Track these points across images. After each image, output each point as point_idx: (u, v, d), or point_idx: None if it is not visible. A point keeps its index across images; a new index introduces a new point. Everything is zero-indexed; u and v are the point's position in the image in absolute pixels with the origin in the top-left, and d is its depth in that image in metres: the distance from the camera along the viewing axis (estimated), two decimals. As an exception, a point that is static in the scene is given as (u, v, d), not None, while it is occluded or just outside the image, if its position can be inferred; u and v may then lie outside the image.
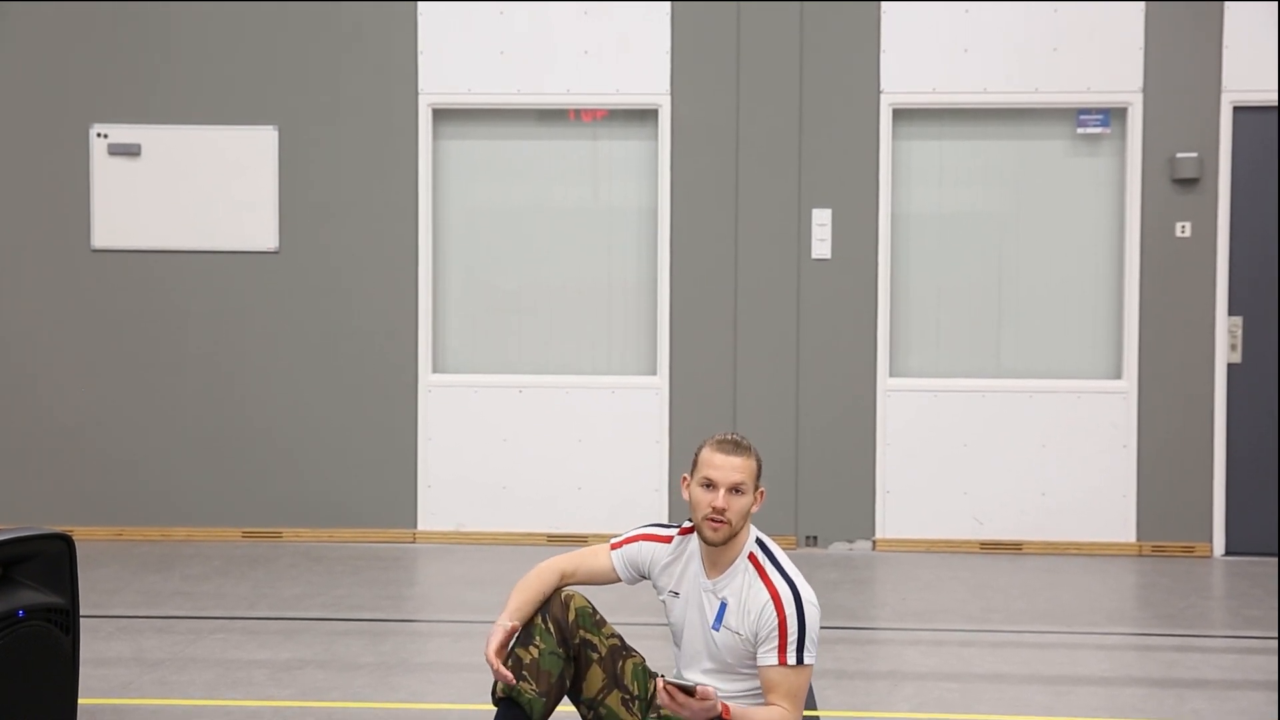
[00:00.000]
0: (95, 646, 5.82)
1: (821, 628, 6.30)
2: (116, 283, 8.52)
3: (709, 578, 4.02)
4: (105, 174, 8.49)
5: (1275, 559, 8.10)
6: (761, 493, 4.01)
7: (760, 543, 4.02)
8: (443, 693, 5.43)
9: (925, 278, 8.47)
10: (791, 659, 3.86)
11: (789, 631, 3.85)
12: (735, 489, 3.92)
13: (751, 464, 3.97)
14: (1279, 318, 8.23)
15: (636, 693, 4.07)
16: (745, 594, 3.92)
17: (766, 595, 3.90)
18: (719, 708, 3.78)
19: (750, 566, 3.96)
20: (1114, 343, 8.39)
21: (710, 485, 3.94)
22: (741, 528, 3.97)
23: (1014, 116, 8.43)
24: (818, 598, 4.00)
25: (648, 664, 4.16)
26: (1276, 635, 6.37)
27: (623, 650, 4.10)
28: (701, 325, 8.39)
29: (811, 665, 3.92)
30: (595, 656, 4.06)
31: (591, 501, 8.39)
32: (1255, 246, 8.25)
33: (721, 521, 3.92)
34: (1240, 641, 6.40)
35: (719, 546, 3.98)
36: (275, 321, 8.52)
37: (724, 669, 4.00)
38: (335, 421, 8.50)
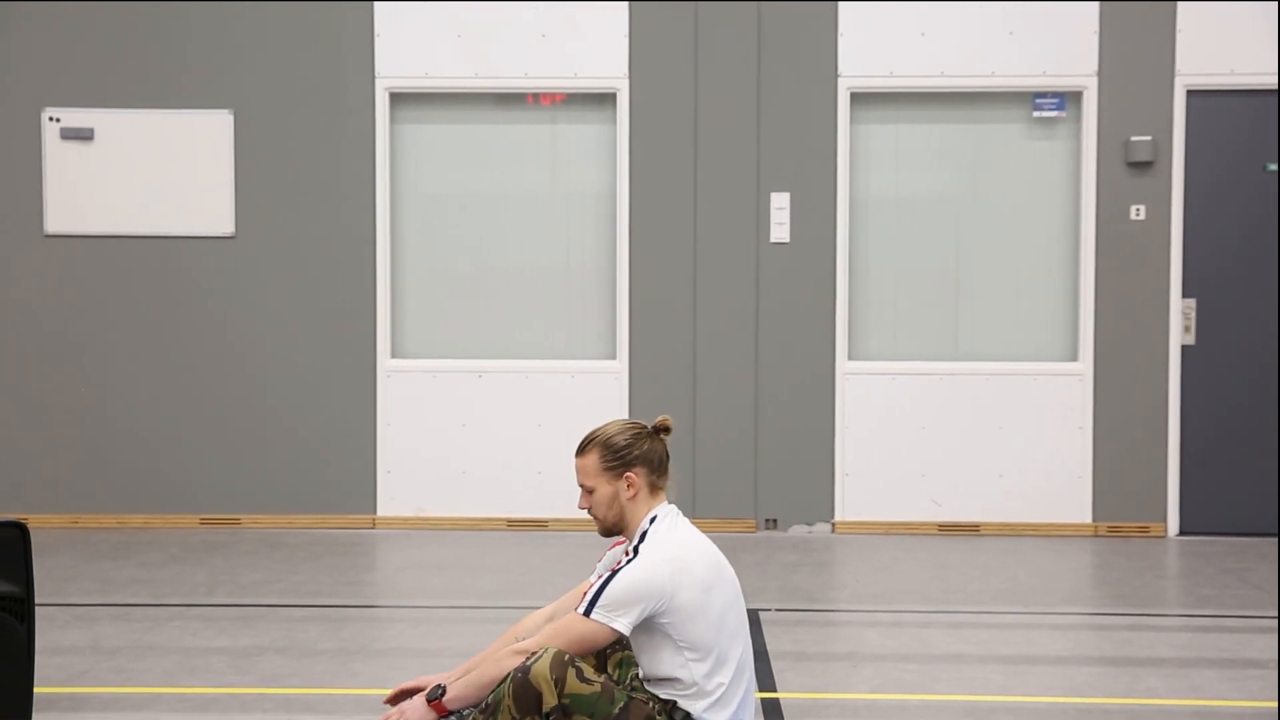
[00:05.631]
0: (51, 635, 5.77)
1: (780, 609, 6.42)
2: (70, 268, 8.44)
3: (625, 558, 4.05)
4: (57, 159, 8.40)
5: (1226, 538, 8.19)
6: (629, 477, 3.98)
7: (654, 517, 3.99)
8: (403, 678, 5.37)
9: (883, 261, 8.50)
10: (583, 607, 3.85)
11: (598, 584, 3.87)
12: (583, 488, 4.04)
13: (589, 461, 4.01)
14: (1236, 300, 8.31)
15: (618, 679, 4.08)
16: None
17: (622, 557, 3.97)
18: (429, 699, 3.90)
19: (638, 537, 3.99)
20: (1070, 325, 8.46)
21: None
22: (615, 517, 4.01)
23: (970, 100, 8.47)
24: (672, 567, 3.87)
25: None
26: (1276, 615, 6.42)
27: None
28: (660, 309, 8.39)
29: (597, 623, 3.80)
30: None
31: (552, 485, 8.37)
32: (1209, 229, 8.32)
33: (593, 518, 4.06)
34: (1194, 620, 6.47)
35: (614, 535, 4.07)
36: (232, 307, 8.46)
37: (637, 648, 4.01)
38: (293, 407, 8.46)
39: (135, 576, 7.15)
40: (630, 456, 3.99)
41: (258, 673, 5.42)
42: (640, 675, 4.00)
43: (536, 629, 4.07)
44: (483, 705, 3.84)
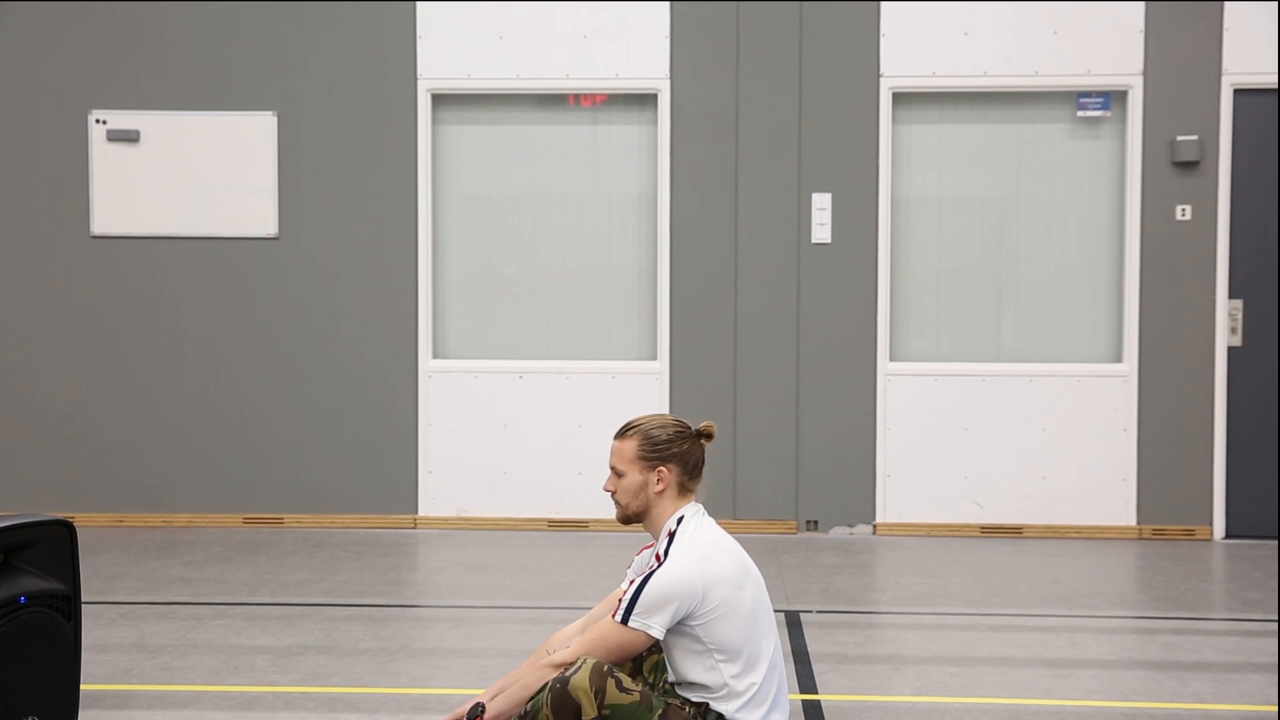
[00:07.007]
0: (97, 632, 5.82)
1: (821, 611, 6.41)
2: (116, 269, 8.52)
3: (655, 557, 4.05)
4: (104, 160, 8.48)
5: (1275, 542, 8.11)
6: (661, 471, 4.00)
7: (681, 517, 4.00)
8: (444, 677, 5.44)
9: (925, 262, 8.46)
10: (619, 614, 3.86)
11: (631, 589, 3.87)
12: (614, 470, 4.08)
13: (626, 446, 4.04)
14: (1279, 301, 8.23)
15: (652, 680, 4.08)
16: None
17: (653, 561, 3.97)
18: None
19: (666, 539, 3.99)
20: (1114, 326, 8.39)
21: None
22: (638, 506, 4.03)
23: (1014, 100, 8.42)
24: (705, 570, 3.88)
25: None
26: (1276, 618, 6.38)
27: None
28: (701, 310, 8.38)
29: (634, 629, 3.84)
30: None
31: (592, 487, 8.37)
32: (1256, 229, 8.24)
33: (615, 503, 4.09)
34: (1241, 624, 6.41)
35: (632, 524, 4.11)
36: (275, 308, 8.52)
37: (667, 652, 4.00)
38: (336, 407, 8.50)
39: (179, 575, 7.21)
40: (668, 452, 4.02)
41: (300, 671, 5.45)
42: (670, 680, 4.00)
43: (568, 643, 4.07)
44: (521, 715, 3.84)
